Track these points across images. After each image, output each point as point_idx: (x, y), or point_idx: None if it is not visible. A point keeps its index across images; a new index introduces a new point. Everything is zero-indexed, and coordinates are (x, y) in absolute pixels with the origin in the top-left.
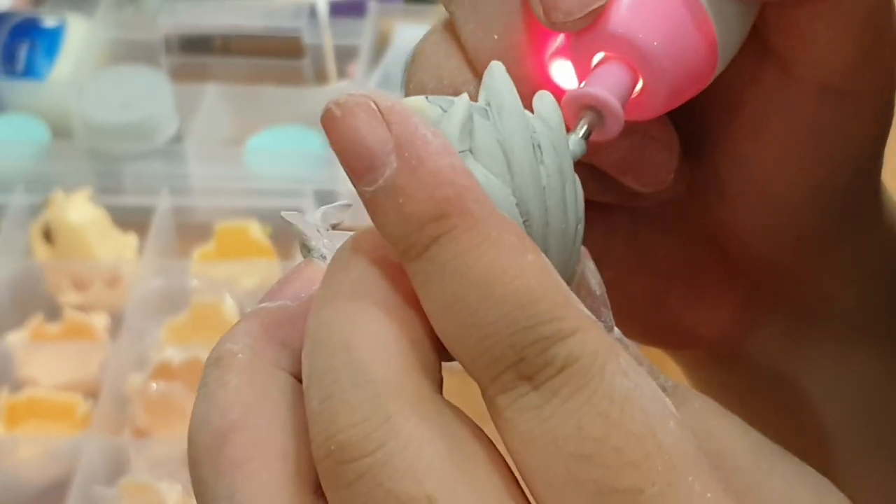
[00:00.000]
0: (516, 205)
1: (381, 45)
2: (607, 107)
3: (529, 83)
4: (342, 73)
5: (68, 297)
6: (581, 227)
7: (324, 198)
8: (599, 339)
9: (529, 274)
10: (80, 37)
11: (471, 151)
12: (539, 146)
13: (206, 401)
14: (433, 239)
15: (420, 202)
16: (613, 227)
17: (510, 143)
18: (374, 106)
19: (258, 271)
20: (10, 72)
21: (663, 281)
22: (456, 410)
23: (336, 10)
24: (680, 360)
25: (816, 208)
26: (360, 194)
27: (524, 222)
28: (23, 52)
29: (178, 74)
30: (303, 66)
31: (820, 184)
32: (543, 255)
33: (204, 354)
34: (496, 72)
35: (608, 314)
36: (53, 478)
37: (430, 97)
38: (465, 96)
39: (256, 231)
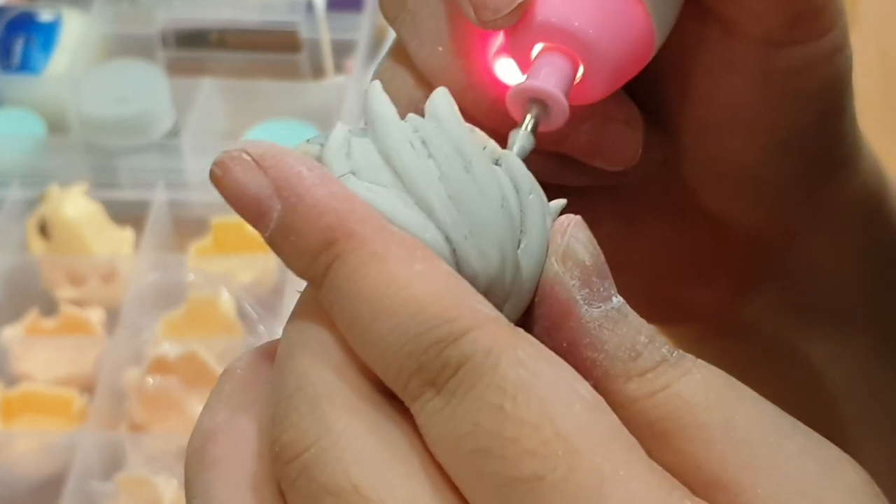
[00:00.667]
0: (416, 204)
1: (378, 39)
2: (549, 97)
3: (479, 87)
4: (339, 68)
5: (64, 292)
6: (533, 198)
7: None
8: (494, 334)
9: (416, 283)
10: (76, 31)
11: (353, 173)
12: (424, 142)
13: (205, 407)
14: (327, 266)
15: (307, 235)
16: (598, 210)
17: (386, 149)
18: (247, 156)
19: (255, 266)
20: (7, 66)
21: (655, 258)
22: (397, 408)
23: (333, 5)
24: (676, 336)
25: (781, 162)
26: (265, 241)
27: (429, 216)
28: (19, 46)
29: (175, 69)
30: (300, 61)
31: (780, 137)
32: (438, 260)
33: (200, 349)
34: (371, 91)
35: (602, 283)
36: (49, 472)
37: (311, 138)
38: (338, 125)
39: None
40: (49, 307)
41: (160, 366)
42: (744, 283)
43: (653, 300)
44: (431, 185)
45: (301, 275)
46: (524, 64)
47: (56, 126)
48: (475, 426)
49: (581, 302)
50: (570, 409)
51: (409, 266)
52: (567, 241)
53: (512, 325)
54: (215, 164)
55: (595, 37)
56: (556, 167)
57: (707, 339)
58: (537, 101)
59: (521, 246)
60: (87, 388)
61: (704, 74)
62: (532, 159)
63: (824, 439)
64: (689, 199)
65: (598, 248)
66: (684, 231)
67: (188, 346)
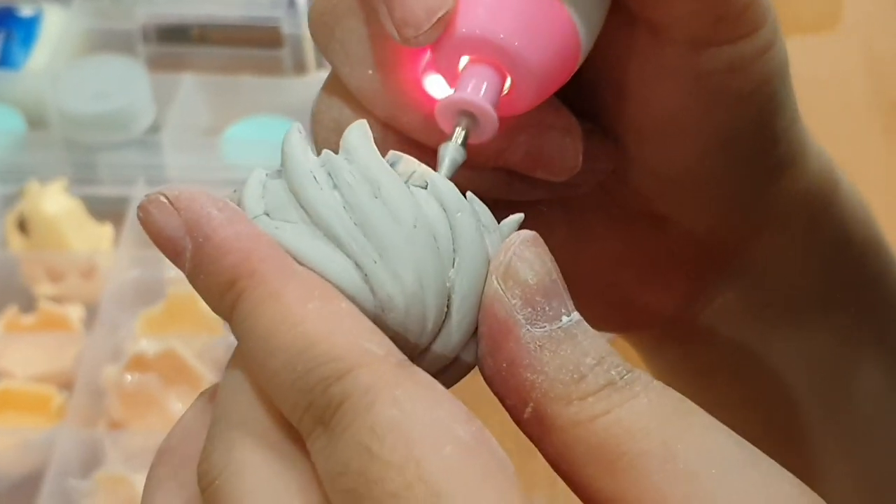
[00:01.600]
0: (324, 236)
1: None
2: (476, 108)
3: (411, 106)
4: (321, 63)
5: (43, 289)
6: (462, 216)
7: None
8: (377, 373)
9: (308, 320)
10: (56, 26)
11: (266, 213)
12: (330, 174)
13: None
14: (232, 304)
15: (214, 274)
16: (551, 220)
17: (293, 186)
18: (164, 199)
19: None
20: None
21: (610, 265)
22: (301, 442)
23: None
24: (638, 343)
25: (722, 164)
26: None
27: (337, 246)
28: None
29: (155, 64)
30: (282, 56)
31: (718, 139)
32: (337, 298)
33: (179, 346)
34: (286, 135)
35: (549, 302)
36: (28, 470)
37: (236, 188)
38: (256, 170)
39: None
40: (28, 304)
41: (139, 363)
42: (700, 285)
43: (610, 307)
44: (335, 214)
45: (215, 311)
46: (452, 78)
47: (36, 121)
48: (346, 466)
49: (522, 322)
50: (439, 452)
51: (303, 304)
52: (509, 259)
53: (404, 362)
54: (138, 207)
55: (519, 46)
56: (504, 183)
57: (668, 345)
58: (465, 114)
59: (455, 264)
60: (66, 385)
61: (637, 81)
62: (478, 176)
63: (782, 471)
64: (640, 204)
65: (548, 265)
66: (637, 237)
67: (167, 344)
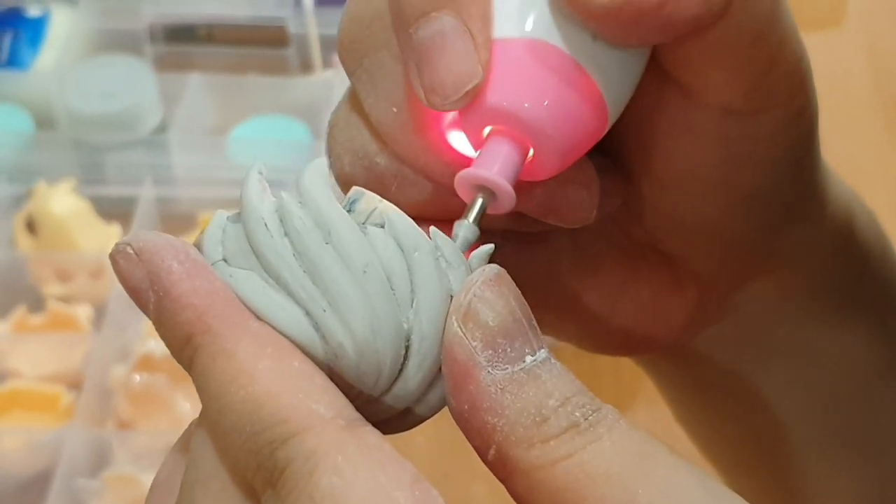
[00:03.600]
0: (277, 283)
1: None
2: (495, 186)
3: (430, 152)
4: (327, 63)
5: (52, 289)
6: (418, 255)
7: None
8: (321, 437)
9: (258, 380)
10: (63, 26)
11: (224, 259)
12: (283, 220)
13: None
14: (189, 360)
15: (171, 329)
16: (557, 247)
17: (247, 233)
18: (130, 250)
19: None
20: None
21: (614, 294)
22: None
23: (321, 0)
24: (637, 360)
25: (740, 219)
26: None
27: (288, 294)
28: (6, 41)
29: (162, 64)
30: (287, 56)
31: (739, 197)
32: (289, 356)
33: None
34: (246, 178)
35: (511, 343)
36: (36, 470)
37: (230, 215)
38: (218, 212)
39: None
40: (36, 304)
41: (147, 363)
42: (699, 317)
43: (609, 334)
44: (284, 263)
45: (179, 362)
46: (476, 141)
47: (43, 122)
48: None
49: (483, 364)
50: None
51: (255, 362)
52: (469, 300)
53: (355, 422)
54: (110, 256)
55: (545, 122)
56: (514, 218)
57: (663, 363)
58: (484, 189)
59: (414, 305)
60: (74, 385)
61: (663, 136)
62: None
63: None
64: (647, 240)
65: (511, 305)
66: (643, 269)
67: None
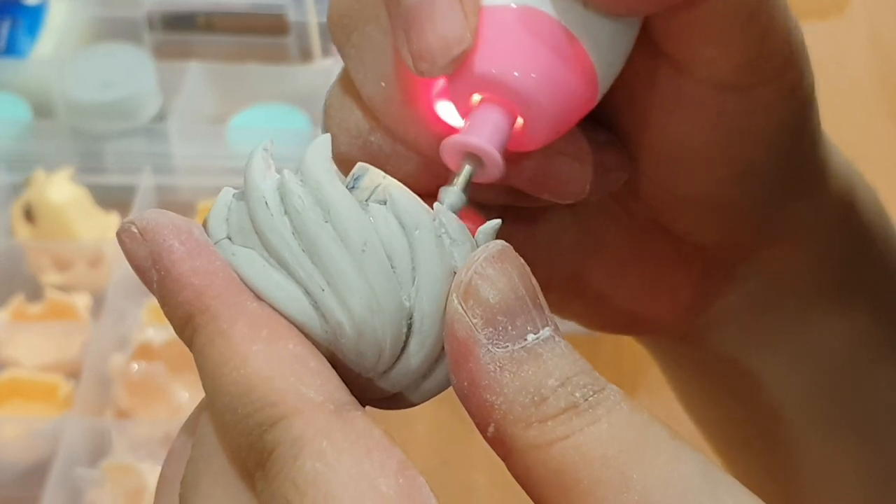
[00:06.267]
0: (276, 261)
1: None
2: (482, 152)
3: (419, 125)
4: (327, 51)
5: (50, 277)
6: (420, 233)
7: None
8: (308, 421)
9: (250, 362)
10: (62, 14)
11: (228, 237)
12: (283, 198)
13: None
14: (189, 340)
15: (172, 308)
16: (560, 224)
17: (249, 211)
18: (134, 229)
19: None
20: None
21: (618, 271)
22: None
23: None
24: (638, 339)
25: (739, 191)
26: None
27: (288, 273)
28: (5, 29)
29: (161, 52)
30: (287, 44)
31: (737, 170)
32: (285, 337)
33: None
34: (249, 156)
35: (513, 321)
36: (35, 459)
37: (236, 192)
38: (224, 189)
39: None
40: (34, 293)
41: (145, 352)
42: (705, 291)
43: (614, 311)
44: (283, 242)
45: (182, 340)
46: (464, 109)
47: (42, 110)
48: None
49: (483, 342)
50: None
51: (249, 344)
52: (469, 277)
53: (345, 407)
54: (116, 233)
55: (533, 90)
56: (510, 194)
57: (666, 343)
58: (471, 156)
59: (415, 283)
60: (73, 374)
61: (657, 110)
62: (483, 188)
63: (750, 496)
64: (650, 215)
65: (514, 282)
66: (645, 245)
67: (173, 333)
